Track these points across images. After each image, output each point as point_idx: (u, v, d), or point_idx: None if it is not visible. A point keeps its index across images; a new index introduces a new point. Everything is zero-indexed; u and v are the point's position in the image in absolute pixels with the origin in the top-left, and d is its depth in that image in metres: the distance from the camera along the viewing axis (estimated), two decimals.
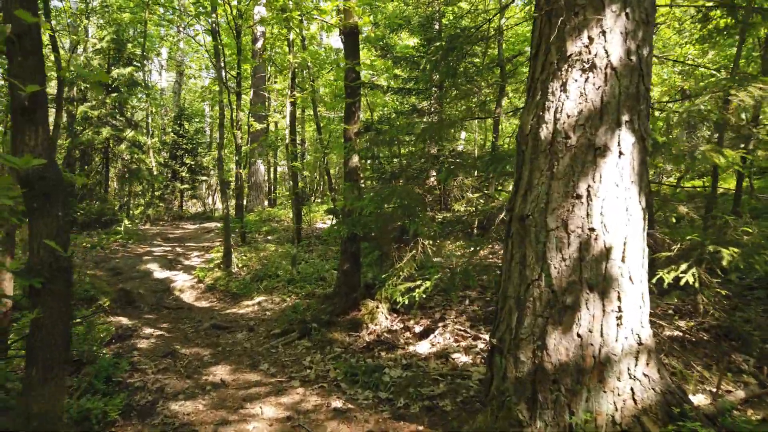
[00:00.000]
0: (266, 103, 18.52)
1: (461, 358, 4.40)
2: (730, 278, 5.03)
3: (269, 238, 12.30)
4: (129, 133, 16.54)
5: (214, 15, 8.78)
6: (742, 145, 5.02)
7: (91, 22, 17.99)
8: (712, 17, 5.39)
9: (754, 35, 6.29)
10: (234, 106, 11.16)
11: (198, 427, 3.58)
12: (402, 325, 5.43)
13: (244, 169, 15.51)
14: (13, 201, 2.07)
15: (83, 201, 15.74)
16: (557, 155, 2.91)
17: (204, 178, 21.45)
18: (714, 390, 3.39)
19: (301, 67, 12.47)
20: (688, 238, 4.05)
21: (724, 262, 3.69)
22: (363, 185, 7.26)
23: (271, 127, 15.28)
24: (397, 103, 14.13)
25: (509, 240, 3.12)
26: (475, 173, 6.32)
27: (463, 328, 4.97)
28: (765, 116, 8.31)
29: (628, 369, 2.73)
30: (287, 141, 10.05)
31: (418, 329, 5.28)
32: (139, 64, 17.67)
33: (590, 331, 2.73)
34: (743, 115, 5.20)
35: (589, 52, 2.92)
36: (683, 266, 3.81)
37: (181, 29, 22.91)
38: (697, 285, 3.73)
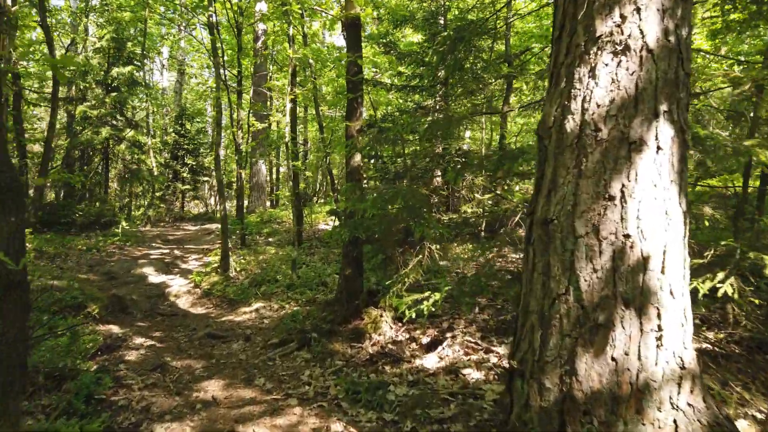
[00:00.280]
0: (268, 103, 18.21)
1: (472, 374, 4.04)
2: (759, 285, 4.66)
3: (270, 240, 11.96)
4: (129, 133, 16.26)
5: (211, 8, 8.45)
6: None
7: (90, 21, 17.72)
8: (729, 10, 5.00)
9: None
10: (234, 105, 10.83)
11: None
12: (407, 336, 5.07)
13: (245, 170, 15.19)
14: None
15: (82, 202, 15.47)
16: (586, 150, 2.54)
17: (206, 178, 21.17)
18: (760, 415, 3.02)
19: (302, 64, 12.13)
20: (723, 243, 3.68)
21: (767, 270, 3.32)
22: (366, 185, 6.91)
23: (273, 127, 14.95)
24: (401, 101, 13.78)
25: (530, 247, 2.75)
26: (483, 173, 5.97)
27: (473, 340, 4.60)
28: None
29: (670, 398, 2.36)
30: (287, 139, 9.70)
31: (425, 340, 4.91)
32: (139, 64, 17.39)
33: (626, 354, 2.36)
34: None
35: (622, 33, 2.55)
36: (720, 275, 3.43)
37: (182, 28, 22.63)
38: (736, 296, 3.35)
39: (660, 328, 2.40)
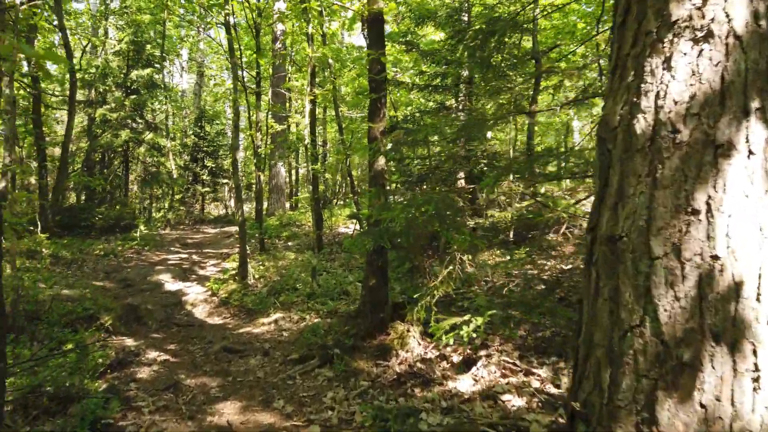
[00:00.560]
0: (287, 104, 17.99)
1: (513, 401, 3.65)
2: None
3: (289, 244, 11.70)
4: (148, 136, 16.18)
5: (227, 7, 8.20)
6: None
7: (110, 23, 17.72)
8: None
9: None
10: (253, 107, 10.59)
11: None
12: (437, 353, 4.69)
13: (264, 172, 14.97)
14: None
15: (103, 205, 15.42)
16: (661, 155, 2.14)
17: (225, 180, 21.07)
18: None
19: (321, 64, 11.85)
20: None
21: None
22: (389, 188, 6.55)
23: (292, 128, 14.70)
24: (422, 101, 13.39)
25: (593, 268, 2.36)
26: (511, 176, 5.58)
27: (511, 360, 4.21)
28: None
29: None
30: (306, 141, 9.40)
31: (456, 358, 4.53)
32: (158, 66, 17.31)
33: (718, 399, 1.96)
34: None
35: (703, 16, 2.15)
36: None
37: (201, 29, 22.60)
38: None
39: (756, 368, 1.99)
